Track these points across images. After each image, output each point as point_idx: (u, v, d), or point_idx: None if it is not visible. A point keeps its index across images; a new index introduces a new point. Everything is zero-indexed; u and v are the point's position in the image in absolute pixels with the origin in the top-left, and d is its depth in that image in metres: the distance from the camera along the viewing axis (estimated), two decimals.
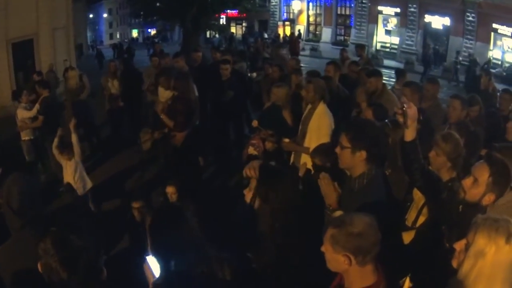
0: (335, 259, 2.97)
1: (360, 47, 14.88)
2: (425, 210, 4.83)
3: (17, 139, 11.08)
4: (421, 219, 4.90)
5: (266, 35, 46.18)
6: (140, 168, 10.88)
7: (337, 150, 4.22)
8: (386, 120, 4.31)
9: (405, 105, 3.81)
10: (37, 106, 10.32)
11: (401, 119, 3.85)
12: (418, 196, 4.86)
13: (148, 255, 3.47)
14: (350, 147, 4.07)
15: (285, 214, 3.92)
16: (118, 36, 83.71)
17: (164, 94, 9.14)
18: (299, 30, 47.13)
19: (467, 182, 3.77)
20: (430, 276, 3.69)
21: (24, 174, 5.05)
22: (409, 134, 3.97)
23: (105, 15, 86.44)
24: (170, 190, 6.94)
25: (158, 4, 34.97)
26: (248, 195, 4.05)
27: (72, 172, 8.70)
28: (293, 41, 35.36)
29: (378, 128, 4.21)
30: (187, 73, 9.55)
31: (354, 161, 4.12)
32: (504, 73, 29.59)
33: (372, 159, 4.10)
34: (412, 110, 3.80)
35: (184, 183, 7.31)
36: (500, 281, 2.74)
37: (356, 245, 2.89)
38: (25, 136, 10.63)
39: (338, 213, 4.04)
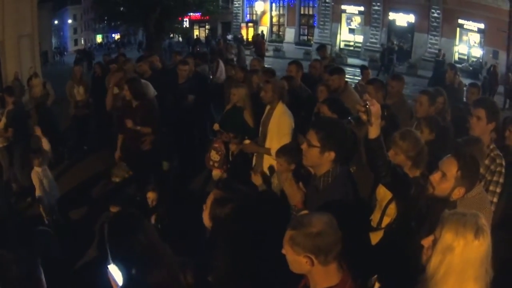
0: (297, 260, 2.94)
1: (321, 49, 14.80)
2: (389, 210, 4.79)
3: None
4: (386, 220, 4.88)
5: (229, 37, 46.12)
6: (106, 175, 10.68)
7: (304, 147, 4.15)
8: (349, 118, 4.26)
9: (367, 102, 3.75)
10: (3, 120, 10.17)
11: (364, 117, 3.78)
12: (381, 196, 4.82)
13: (109, 263, 3.42)
14: (319, 146, 4.02)
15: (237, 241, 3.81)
16: (82, 42, 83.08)
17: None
18: (262, 31, 47.10)
19: (435, 177, 3.75)
20: (400, 274, 3.67)
21: None
22: (373, 132, 3.88)
23: (69, 21, 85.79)
24: (151, 195, 6.95)
25: (121, 8, 34.76)
26: (205, 214, 3.95)
27: (41, 180, 8.60)
28: (258, 42, 35.48)
29: (346, 127, 4.13)
30: (136, 77, 9.47)
31: (321, 160, 4.07)
32: (471, 68, 29.98)
33: (339, 159, 4.06)
34: (375, 107, 3.73)
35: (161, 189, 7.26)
36: (472, 277, 2.72)
37: (316, 245, 2.85)
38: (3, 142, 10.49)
39: (303, 212, 3.99)
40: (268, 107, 7.43)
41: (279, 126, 6.99)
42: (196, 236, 4.68)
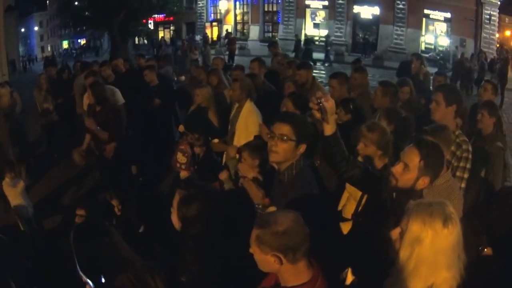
0: (265, 260, 2.91)
1: (272, 46, 14.67)
2: (364, 200, 4.79)
3: None
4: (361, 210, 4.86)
5: (197, 37, 46.10)
6: (78, 182, 10.71)
7: (276, 142, 4.01)
8: (307, 113, 4.25)
9: (321, 99, 3.68)
10: None
11: (318, 115, 3.75)
12: (353, 188, 4.79)
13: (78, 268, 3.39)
14: (295, 140, 3.94)
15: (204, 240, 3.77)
16: (49, 48, 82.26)
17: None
18: (227, 30, 47.28)
19: (397, 168, 3.69)
20: (371, 267, 3.64)
21: None
22: (329, 128, 3.82)
23: (36, 28, 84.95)
24: (114, 203, 6.80)
25: (86, 13, 34.59)
26: (173, 215, 3.90)
27: (19, 193, 8.49)
28: (231, 41, 35.62)
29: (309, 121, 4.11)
30: (98, 82, 9.35)
31: (294, 153, 4.01)
32: (438, 57, 30.30)
33: (306, 152, 4.04)
34: (329, 104, 3.67)
35: (125, 194, 7.17)
36: (445, 265, 2.71)
37: (284, 243, 2.82)
38: None
39: (271, 209, 3.96)
40: (236, 105, 7.45)
41: (247, 125, 7.01)
42: (166, 239, 4.64)
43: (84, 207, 6.59)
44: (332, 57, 34.80)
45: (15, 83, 15.60)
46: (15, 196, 8.45)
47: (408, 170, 3.64)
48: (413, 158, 3.64)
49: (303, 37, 39.82)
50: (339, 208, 5.17)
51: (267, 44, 23.26)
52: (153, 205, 8.66)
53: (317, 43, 39.57)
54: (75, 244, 3.50)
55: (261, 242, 2.86)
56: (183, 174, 8.12)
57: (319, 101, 3.66)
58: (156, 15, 46.24)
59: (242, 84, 7.22)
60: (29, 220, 8.53)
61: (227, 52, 33.85)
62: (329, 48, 34.88)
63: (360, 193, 4.70)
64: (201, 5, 50.47)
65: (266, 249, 2.85)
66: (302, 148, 3.98)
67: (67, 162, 10.97)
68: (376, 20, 36.14)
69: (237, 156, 6.44)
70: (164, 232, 4.77)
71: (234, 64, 21.32)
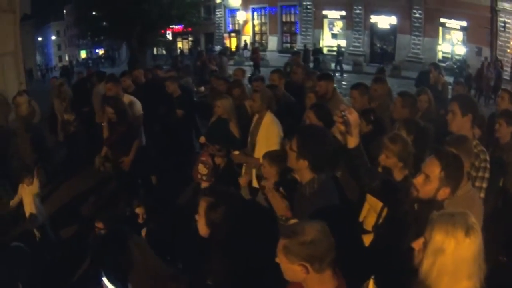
0: (291, 269, 2.96)
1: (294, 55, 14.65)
2: (384, 213, 4.81)
3: None
4: (382, 222, 4.87)
5: (217, 48, 46.15)
6: (96, 192, 10.72)
7: (288, 148, 4.19)
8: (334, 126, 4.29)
9: (345, 112, 3.73)
10: None
11: (342, 128, 3.79)
12: (373, 200, 4.81)
13: (103, 276, 3.43)
14: (296, 152, 4.03)
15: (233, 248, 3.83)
16: (67, 58, 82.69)
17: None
18: (245, 41, 47.29)
19: (418, 180, 3.70)
20: (393, 277, 3.67)
21: None
22: (352, 141, 3.87)
23: (53, 37, 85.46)
24: (139, 211, 6.89)
25: (104, 23, 34.68)
26: (200, 223, 3.96)
27: (32, 200, 8.44)
28: (255, 51, 35.58)
29: (327, 137, 4.12)
30: (117, 96, 9.33)
31: (297, 165, 4.09)
32: (455, 66, 30.14)
33: (316, 168, 4.05)
34: (353, 117, 3.73)
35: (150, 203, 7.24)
36: (466, 275, 2.73)
37: (310, 253, 2.88)
38: None
39: (293, 221, 4.00)
40: (256, 117, 7.45)
41: (268, 136, 6.98)
42: (187, 247, 4.68)
43: (103, 220, 6.62)
44: (350, 67, 34.82)
45: (32, 91, 15.69)
46: (29, 202, 8.43)
47: (429, 181, 3.64)
48: (433, 169, 3.64)
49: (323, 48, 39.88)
50: (360, 219, 5.19)
51: (285, 54, 23.35)
52: (173, 215, 8.74)
53: (334, 53, 39.60)
54: (102, 253, 3.55)
55: (288, 251, 2.91)
56: (204, 185, 8.13)
57: (343, 113, 3.71)
58: (174, 26, 46.13)
59: (263, 95, 7.22)
60: (43, 227, 8.53)
61: (252, 63, 33.69)
62: (340, 58, 34.66)
63: (380, 204, 4.69)
64: (219, 15, 50.42)
65: (293, 259, 2.90)
66: (304, 163, 4.03)
67: (86, 171, 11.08)
68: (393, 30, 35.97)
69: (245, 187, 6.53)
70: (185, 240, 4.84)
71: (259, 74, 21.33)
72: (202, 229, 3.86)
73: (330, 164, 4.12)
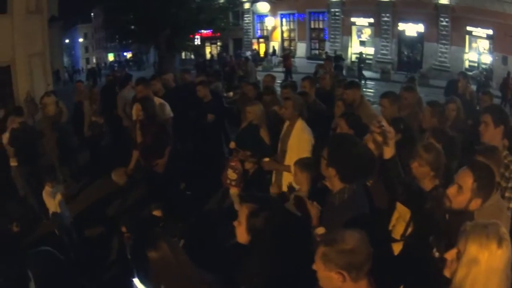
0: (328, 277, 2.96)
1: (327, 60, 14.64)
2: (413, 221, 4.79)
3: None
4: (410, 231, 4.86)
5: (248, 53, 46.23)
6: (122, 193, 10.71)
7: (321, 155, 4.19)
8: (367, 135, 4.30)
9: (382, 123, 3.76)
10: (7, 135, 10.17)
11: (379, 138, 3.81)
12: (403, 208, 4.82)
13: (134, 277, 3.45)
14: (326, 160, 4.05)
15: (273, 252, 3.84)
16: (94, 60, 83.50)
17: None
18: (273, 47, 47.31)
19: (451, 190, 3.73)
20: (423, 287, 3.66)
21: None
22: (389, 152, 3.94)
23: (80, 39, 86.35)
24: (157, 213, 6.85)
25: (132, 27, 34.88)
26: (240, 230, 3.97)
27: (57, 203, 8.45)
28: (286, 57, 35.56)
29: (358, 147, 4.06)
30: (148, 97, 9.33)
31: (328, 173, 4.10)
32: (482, 75, 29.84)
33: (345, 178, 4.03)
34: (390, 127, 3.78)
35: (170, 207, 7.25)
36: (496, 285, 2.74)
37: (349, 261, 2.89)
38: (13, 162, 10.37)
39: (321, 230, 4.02)
40: (287, 124, 7.45)
41: (299, 143, 6.98)
42: (216, 252, 4.69)
43: (125, 223, 6.62)
44: (378, 75, 34.81)
45: (59, 92, 15.86)
46: (54, 205, 8.46)
47: (462, 191, 3.67)
48: (466, 180, 3.67)
49: (349, 55, 39.75)
50: (389, 228, 5.17)
51: (314, 61, 23.33)
52: (200, 219, 8.75)
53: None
54: (135, 252, 3.57)
55: (327, 259, 2.93)
56: (233, 190, 8.16)
57: (381, 124, 3.71)
58: (203, 31, 46.27)
59: (295, 102, 7.22)
60: (67, 229, 8.54)
61: (281, 69, 33.66)
62: (362, 65, 34.61)
63: (410, 213, 4.70)
64: (247, 21, 50.55)
65: (331, 266, 2.92)
66: (332, 171, 4.03)
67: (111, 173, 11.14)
68: (420, 38, 35.70)
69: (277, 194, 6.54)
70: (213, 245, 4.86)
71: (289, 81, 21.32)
72: (242, 235, 3.88)
73: (361, 174, 4.09)
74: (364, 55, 37.01)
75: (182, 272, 3.43)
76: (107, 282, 7.23)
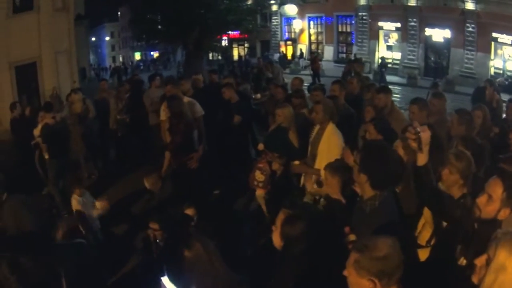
0: (359, 283, 2.98)
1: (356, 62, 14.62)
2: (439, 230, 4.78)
3: (21, 162, 11.26)
4: (437, 238, 4.87)
5: (277, 55, 46.36)
6: (148, 191, 10.66)
7: (353, 160, 4.23)
8: (397, 141, 4.31)
9: (418, 129, 3.77)
10: (39, 128, 10.36)
11: (414, 145, 3.82)
12: (430, 215, 4.84)
13: (163, 275, 3.46)
14: (358, 165, 4.08)
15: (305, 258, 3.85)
16: (121, 59, 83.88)
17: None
18: (301, 49, 47.24)
19: (481, 200, 3.70)
20: None
21: (26, 197, 4.92)
22: (422, 158, 3.92)
23: (107, 38, 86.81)
24: (189, 212, 6.90)
25: (159, 27, 34.95)
26: (275, 234, 3.99)
27: (87, 207, 8.41)
28: (314, 60, 35.37)
29: (390, 155, 4.11)
30: (176, 95, 9.32)
31: (359, 179, 4.12)
32: (507, 82, 29.54)
33: (376, 185, 4.04)
34: (425, 134, 3.78)
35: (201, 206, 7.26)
36: None
37: (381, 268, 2.91)
38: (46, 155, 10.55)
39: (352, 237, 4.04)
40: (317, 127, 7.47)
41: (330, 147, 7.01)
42: (241, 254, 4.70)
43: (158, 221, 6.61)
44: (405, 80, 34.51)
45: (84, 90, 16.02)
46: (79, 202, 8.35)
47: (492, 201, 3.65)
48: (496, 189, 3.64)
49: (376, 60, 39.54)
50: (415, 234, 5.17)
51: (341, 65, 23.26)
52: (226, 219, 8.75)
53: (390, 65, 38.93)
54: (168, 254, 3.59)
55: (359, 266, 2.95)
56: (259, 192, 8.17)
57: (416, 130, 3.71)
58: (230, 32, 46.31)
59: (325, 106, 7.26)
60: (94, 231, 8.42)
61: (309, 72, 33.61)
62: (384, 69, 34.41)
63: (437, 220, 4.69)
64: (275, 23, 50.55)
65: (363, 273, 2.94)
66: (363, 177, 4.04)
67: (137, 171, 11.15)
68: (447, 43, 35.34)
69: (314, 184, 6.53)
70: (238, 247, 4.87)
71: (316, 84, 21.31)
72: (276, 240, 3.92)
73: (391, 181, 4.12)
74: (385, 59, 36.82)
75: (215, 272, 3.44)
76: (131, 281, 7.26)
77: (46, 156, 10.55)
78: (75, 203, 8.38)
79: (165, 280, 3.53)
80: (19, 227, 4.04)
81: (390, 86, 11.00)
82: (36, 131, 10.64)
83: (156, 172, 8.97)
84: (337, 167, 5.65)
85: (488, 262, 2.85)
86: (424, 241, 4.98)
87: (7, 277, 2.94)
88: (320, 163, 6.89)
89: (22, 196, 4.69)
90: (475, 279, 2.95)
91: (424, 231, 5.01)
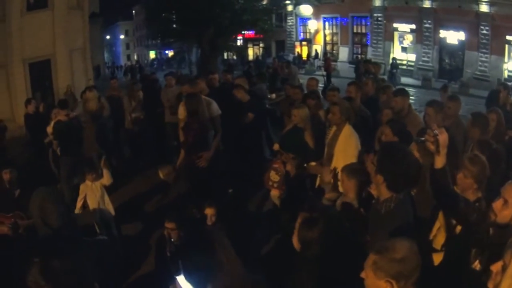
0: (377, 285, 3.00)
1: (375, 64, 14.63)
2: (456, 233, 4.76)
3: (34, 158, 11.49)
4: (452, 242, 4.84)
5: (291, 56, 46.39)
6: (162, 190, 10.75)
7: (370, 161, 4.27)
8: (416, 142, 4.30)
9: (436, 131, 3.75)
10: (52, 125, 10.45)
11: (432, 147, 3.80)
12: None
13: (178, 275, 3.46)
14: (375, 166, 4.09)
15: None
16: (135, 57, 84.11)
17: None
18: (316, 50, 47.25)
19: (497, 204, 3.70)
20: None
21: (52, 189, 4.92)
22: (440, 161, 3.89)
23: (122, 36, 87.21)
24: (209, 211, 6.88)
25: (174, 26, 35.01)
26: (294, 236, 4.00)
27: (98, 196, 8.45)
28: (327, 61, 35.45)
29: (407, 157, 4.10)
30: (194, 94, 9.32)
31: (376, 180, 4.14)
32: None
33: (392, 186, 4.05)
34: (443, 137, 3.76)
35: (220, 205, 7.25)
36: None
37: (399, 270, 2.92)
38: (58, 152, 10.63)
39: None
40: (334, 128, 7.46)
41: (346, 148, 7.02)
42: (254, 255, 4.69)
43: (174, 220, 6.59)
44: (419, 82, 34.46)
45: (99, 88, 16.09)
46: (94, 199, 8.42)
47: (507, 206, 3.65)
48: None
49: (391, 61, 39.41)
50: (430, 238, 5.15)
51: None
52: (241, 221, 8.73)
53: (404, 67, 39.29)
54: (185, 252, 3.57)
55: (377, 267, 2.97)
56: (274, 193, 8.15)
57: (435, 133, 3.71)
58: (245, 32, 46.38)
59: (342, 107, 7.25)
60: (107, 224, 8.44)
61: (324, 72, 33.68)
62: (394, 71, 34.47)
63: (453, 224, 4.67)
64: (290, 23, 50.63)
65: (381, 275, 2.96)
66: (380, 178, 4.06)
67: (152, 169, 10.96)
68: (461, 46, 35.20)
69: (332, 181, 6.52)
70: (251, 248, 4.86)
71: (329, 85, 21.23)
72: (295, 242, 3.98)
73: (408, 183, 4.12)
74: (396, 61, 36.97)
75: (232, 272, 3.44)
76: (145, 279, 7.29)
77: (58, 153, 10.62)
78: (86, 189, 8.48)
79: (180, 279, 3.53)
80: (44, 218, 4.06)
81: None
82: (49, 128, 10.74)
83: (171, 164, 9.06)
84: (354, 169, 5.66)
85: (504, 268, 2.85)
86: (439, 245, 4.97)
87: (39, 283, 2.94)
88: (336, 164, 6.92)
89: (48, 188, 4.71)
90: (490, 285, 2.97)
91: (439, 235, 5.00)
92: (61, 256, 3.04)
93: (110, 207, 8.61)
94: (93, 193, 8.45)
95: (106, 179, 8.49)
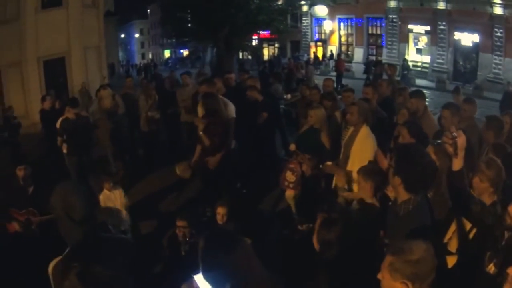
0: (392, 286, 3.00)
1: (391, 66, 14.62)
2: (471, 236, 4.75)
3: (48, 154, 11.53)
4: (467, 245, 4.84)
5: (305, 57, 46.33)
6: (176, 189, 10.76)
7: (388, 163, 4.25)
8: (432, 145, 4.29)
9: (454, 134, 3.75)
10: (59, 122, 10.45)
11: (450, 149, 3.80)
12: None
13: (196, 274, 3.46)
14: (393, 167, 4.07)
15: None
16: (150, 56, 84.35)
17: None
18: (331, 51, 47.09)
19: None
20: None
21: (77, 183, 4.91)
22: (458, 164, 3.89)
23: (136, 35, 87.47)
24: (221, 211, 6.87)
25: (189, 25, 35.02)
26: (314, 237, 4.01)
27: (118, 205, 8.40)
28: (338, 62, 35.40)
29: (424, 159, 4.06)
30: (211, 93, 9.30)
31: (394, 182, 4.10)
32: None
33: (409, 188, 4.03)
34: (461, 139, 3.76)
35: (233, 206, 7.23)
36: None
37: (415, 272, 2.92)
38: (64, 149, 10.62)
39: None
40: (351, 129, 7.48)
41: (363, 149, 7.00)
42: (268, 254, 4.67)
43: (185, 218, 6.67)
44: (433, 84, 34.28)
45: (113, 86, 16.13)
46: (114, 206, 8.35)
47: None
48: None
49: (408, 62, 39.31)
50: (445, 240, 5.15)
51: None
52: (255, 221, 8.72)
53: (419, 69, 39.21)
54: (204, 252, 3.57)
55: (393, 268, 2.98)
56: (289, 193, 8.17)
57: (453, 135, 3.71)
58: (261, 32, 46.32)
59: (360, 108, 7.26)
60: (123, 231, 8.32)
61: (335, 73, 33.56)
62: (405, 72, 34.22)
63: (469, 227, 4.66)
64: (305, 24, 50.52)
65: (397, 276, 2.97)
66: (397, 180, 4.04)
67: (166, 168, 11.09)
68: (475, 48, 34.92)
69: (346, 185, 6.52)
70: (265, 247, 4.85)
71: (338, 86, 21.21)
72: (315, 243, 4.01)
73: (425, 184, 4.11)
74: (407, 62, 36.87)
75: (251, 271, 3.44)
76: (159, 279, 7.28)
77: (64, 151, 10.61)
78: (104, 198, 8.37)
79: (198, 278, 3.52)
80: (68, 212, 4.07)
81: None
82: (58, 124, 10.62)
83: (187, 161, 9.05)
84: (370, 171, 5.67)
85: None
86: (454, 248, 4.97)
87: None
88: (353, 165, 6.93)
89: (72, 181, 4.71)
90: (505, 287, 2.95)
91: (455, 238, 4.99)
92: (102, 260, 3.05)
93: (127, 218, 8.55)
94: (112, 203, 8.40)
95: (120, 203, 8.42)
